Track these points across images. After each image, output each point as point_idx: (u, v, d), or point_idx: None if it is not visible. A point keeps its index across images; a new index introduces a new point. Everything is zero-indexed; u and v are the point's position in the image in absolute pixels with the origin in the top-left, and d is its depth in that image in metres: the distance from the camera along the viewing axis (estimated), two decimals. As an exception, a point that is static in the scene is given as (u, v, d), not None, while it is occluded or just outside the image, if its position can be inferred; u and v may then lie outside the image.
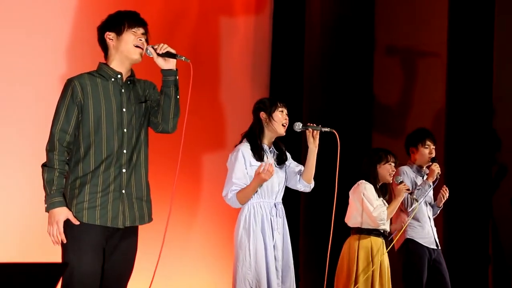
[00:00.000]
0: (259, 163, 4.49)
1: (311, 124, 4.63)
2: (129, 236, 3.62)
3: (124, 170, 3.57)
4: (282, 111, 4.60)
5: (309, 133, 4.61)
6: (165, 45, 3.67)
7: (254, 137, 4.58)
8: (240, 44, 6.75)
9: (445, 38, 6.85)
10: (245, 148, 4.53)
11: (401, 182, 5.39)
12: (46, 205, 3.52)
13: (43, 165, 3.54)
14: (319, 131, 4.60)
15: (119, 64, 3.66)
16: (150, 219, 3.70)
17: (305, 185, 4.69)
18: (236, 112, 6.36)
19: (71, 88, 3.55)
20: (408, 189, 5.37)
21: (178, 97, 3.70)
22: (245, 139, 4.60)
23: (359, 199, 5.33)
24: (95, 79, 3.61)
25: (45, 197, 3.52)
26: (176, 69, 3.69)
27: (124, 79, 3.66)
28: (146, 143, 3.70)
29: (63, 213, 3.48)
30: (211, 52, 6.43)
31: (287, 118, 4.62)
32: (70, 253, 3.48)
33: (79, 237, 3.48)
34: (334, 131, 4.58)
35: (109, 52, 3.67)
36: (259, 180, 4.41)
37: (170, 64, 3.67)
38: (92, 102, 3.55)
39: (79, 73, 3.65)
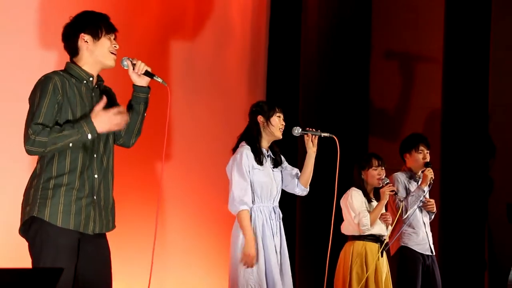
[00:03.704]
0: (260, 167, 4.50)
1: (310, 129, 4.62)
2: (100, 244, 3.56)
3: (96, 176, 3.52)
4: (279, 117, 4.60)
5: (308, 138, 4.61)
6: (143, 64, 3.61)
7: (252, 140, 4.58)
8: (237, 49, 6.74)
9: (441, 43, 6.86)
10: (248, 151, 4.52)
11: (387, 183, 5.37)
12: (89, 135, 3.38)
13: (45, 148, 3.34)
14: (318, 136, 4.60)
15: (91, 68, 3.57)
16: (113, 226, 3.64)
17: (303, 189, 4.71)
18: (233, 117, 6.35)
19: (52, 85, 3.41)
20: (393, 190, 5.35)
21: (145, 114, 3.68)
22: (244, 142, 4.60)
23: (346, 207, 5.35)
24: (70, 79, 3.51)
25: (77, 133, 3.37)
26: (149, 87, 3.66)
27: (94, 83, 3.59)
28: (113, 150, 3.64)
29: (101, 111, 3.41)
30: (207, 57, 6.42)
31: (283, 123, 4.62)
32: (45, 257, 3.39)
33: (53, 240, 3.40)
34: (334, 136, 4.57)
35: (81, 54, 3.56)
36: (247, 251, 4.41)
37: (143, 81, 3.64)
38: (70, 103, 3.46)
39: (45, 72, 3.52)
